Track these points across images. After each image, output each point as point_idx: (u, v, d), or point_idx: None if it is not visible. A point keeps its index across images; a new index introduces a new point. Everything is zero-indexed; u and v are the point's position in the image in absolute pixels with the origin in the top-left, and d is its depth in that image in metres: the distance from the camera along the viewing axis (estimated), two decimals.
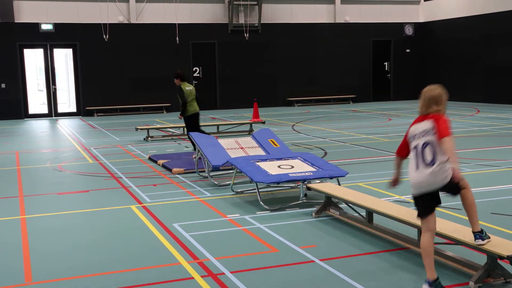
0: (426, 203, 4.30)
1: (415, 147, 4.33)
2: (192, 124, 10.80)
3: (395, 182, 4.66)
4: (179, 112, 10.87)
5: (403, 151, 4.54)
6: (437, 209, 4.29)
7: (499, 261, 4.35)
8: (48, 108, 21.57)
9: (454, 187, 4.24)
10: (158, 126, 15.50)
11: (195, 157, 9.26)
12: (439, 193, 4.32)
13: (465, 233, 4.64)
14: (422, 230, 4.33)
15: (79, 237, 6.01)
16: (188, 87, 10.80)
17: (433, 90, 4.35)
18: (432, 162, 4.22)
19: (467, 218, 4.39)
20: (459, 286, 4.37)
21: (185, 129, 14.73)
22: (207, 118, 19.03)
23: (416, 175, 4.28)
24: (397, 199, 7.01)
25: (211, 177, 8.50)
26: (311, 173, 7.09)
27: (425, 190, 4.27)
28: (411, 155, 4.38)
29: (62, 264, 5.15)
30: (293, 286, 4.51)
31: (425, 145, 4.27)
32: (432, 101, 4.30)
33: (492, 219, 6.03)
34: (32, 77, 24.90)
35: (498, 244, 4.34)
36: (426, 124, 4.29)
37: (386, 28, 24.79)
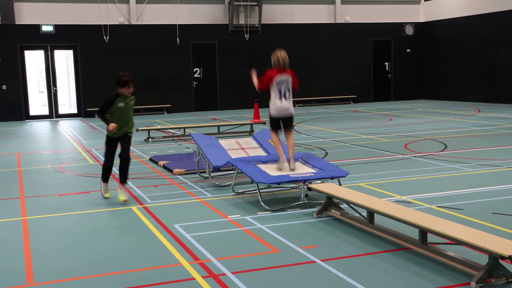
0: (278, 123, 7.51)
1: (280, 89, 7.40)
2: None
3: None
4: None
5: (264, 89, 7.52)
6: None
7: (500, 261, 4.34)
8: (48, 110, 21.58)
9: (291, 121, 7.65)
10: (159, 127, 15.48)
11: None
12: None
13: (467, 233, 4.64)
14: (274, 133, 7.56)
15: (80, 238, 6.01)
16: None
17: (283, 53, 7.43)
18: (290, 100, 7.32)
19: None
20: (461, 286, 4.37)
21: (185, 129, 14.77)
22: (208, 119, 19.04)
23: (282, 104, 7.42)
24: (398, 199, 7.00)
25: (212, 177, 8.49)
26: (312, 174, 7.09)
27: (284, 115, 7.46)
28: (275, 92, 7.40)
29: (63, 265, 5.15)
30: (294, 286, 4.50)
31: (287, 88, 7.42)
32: (287, 62, 7.45)
33: (493, 219, 6.02)
34: (32, 78, 24.90)
35: (500, 244, 4.33)
36: (286, 76, 7.44)
37: (387, 28, 24.79)
